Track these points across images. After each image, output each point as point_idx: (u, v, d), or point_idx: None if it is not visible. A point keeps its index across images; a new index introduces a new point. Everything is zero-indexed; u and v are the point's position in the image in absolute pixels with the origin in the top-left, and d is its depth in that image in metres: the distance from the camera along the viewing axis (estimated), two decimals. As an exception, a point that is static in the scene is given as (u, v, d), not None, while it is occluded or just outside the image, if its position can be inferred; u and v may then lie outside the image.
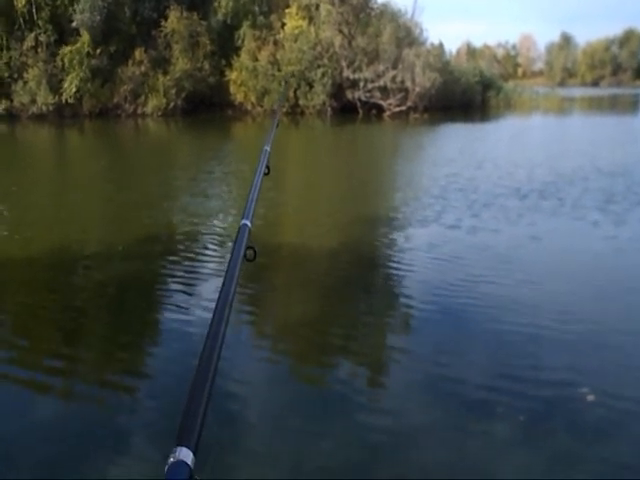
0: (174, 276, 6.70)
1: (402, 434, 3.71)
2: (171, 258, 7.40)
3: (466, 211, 9.28)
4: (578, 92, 61.79)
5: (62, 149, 21.98)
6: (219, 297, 1.13)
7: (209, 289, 6.20)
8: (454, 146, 18.84)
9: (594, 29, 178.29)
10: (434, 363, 4.58)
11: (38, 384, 4.42)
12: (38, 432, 3.74)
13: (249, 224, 1.54)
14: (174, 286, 6.40)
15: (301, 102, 32.10)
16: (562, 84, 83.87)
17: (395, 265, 7.10)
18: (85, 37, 30.05)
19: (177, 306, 5.79)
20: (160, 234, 8.68)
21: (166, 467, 0.74)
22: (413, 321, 5.53)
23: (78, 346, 5.11)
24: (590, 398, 4.00)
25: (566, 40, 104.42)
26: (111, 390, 4.34)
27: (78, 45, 30.13)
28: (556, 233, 8.22)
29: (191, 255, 7.59)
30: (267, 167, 2.13)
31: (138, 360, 4.87)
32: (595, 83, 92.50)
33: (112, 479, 3.29)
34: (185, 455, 0.75)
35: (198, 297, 6.01)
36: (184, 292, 6.19)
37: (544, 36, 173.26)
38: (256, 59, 32.74)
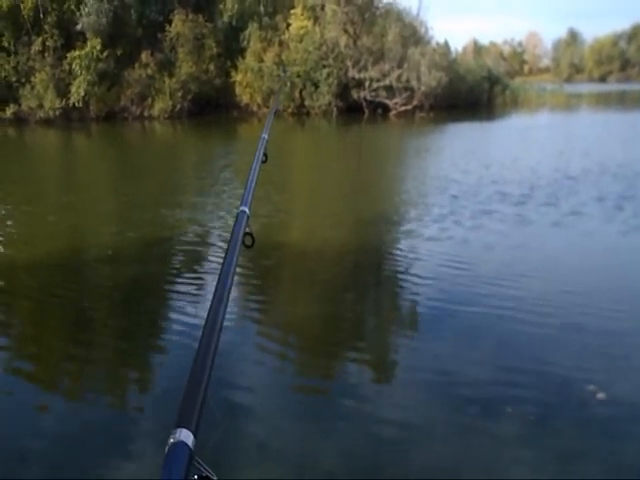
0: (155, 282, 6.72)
1: (408, 433, 3.70)
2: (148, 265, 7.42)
3: (468, 215, 9.15)
4: (585, 88, 61.39)
5: (67, 153, 22.07)
6: (218, 282, 1.14)
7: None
8: (460, 147, 18.74)
9: (601, 25, 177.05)
10: (439, 363, 4.56)
11: (45, 386, 4.44)
12: (46, 433, 3.75)
13: (247, 211, 1.54)
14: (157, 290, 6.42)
15: (307, 102, 32.09)
16: (569, 80, 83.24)
17: (398, 266, 7.08)
18: (95, 41, 30.22)
19: (179, 306, 5.81)
20: (138, 241, 8.71)
21: (166, 448, 0.74)
22: (417, 321, 5.52)
23: (86, 345, 5.13)
24: (600, 396, 3.97)
25: (573, 36, 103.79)
26: (118, 392, 4.35)
27: (87, 49, 30.28)
28: (559, 237, 8.17)
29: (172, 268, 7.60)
30: (265, 155, 2.14)
31: (145, 362, 4.89)
32: (603, 79, 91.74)
33: (117, 479, 3.30)
34: (185, 436, 0.75)
35: (198, 297, 6.03)
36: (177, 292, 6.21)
37: (551, 33, 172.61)
38: (262, 60, 32.76)
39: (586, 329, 5.04)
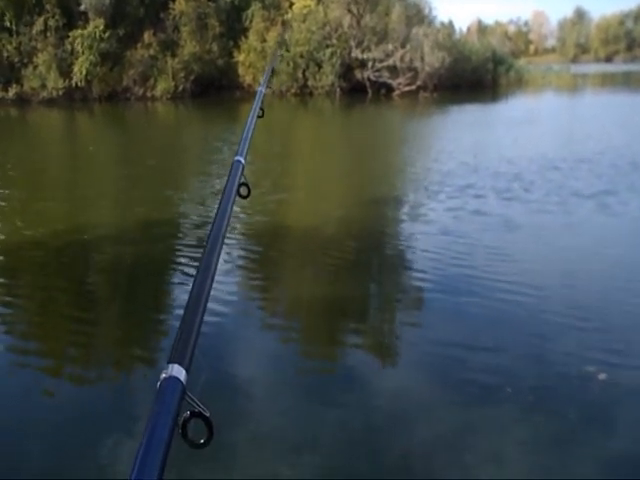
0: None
1: (408, 413, 3.75)
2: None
3: (470, 199, 9.10)
4: (591, 68, 60.73)
5: (68, 133, 22.03)
6: (211, 229, 1.15)
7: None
8: (460, 132, 18.59)
9: (608, 4, 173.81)
10: (442, 344, 4.60)
11: (51, 367, 4.50)
12: (51, 414, 3.82)
13: (242, 161, 1.53)
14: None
15: (310, 83, 31.89)
16: (575, 60, 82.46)
17: (401, 248, 7.12)
18: (98, 22, 30.00)
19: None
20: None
21: (158, 383, 0.73)
22: (418, 304, 5.55)
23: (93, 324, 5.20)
24: (602, 377, 4.01)
25: (579, 15, 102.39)
26: (125, 371, 4.42)
27: (90, 29, 30.05)
28: (559, 227, 8.18)
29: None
30: (261, 109, 2.11)
31: (152, 341, 4.95)
32: (609, 59, 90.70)
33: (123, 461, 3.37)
34: (177, 372, 0.74)
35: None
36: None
37: (556, 12, 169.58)
38: (264, 40, 32.49)
39: (587, 311, 5.08)
